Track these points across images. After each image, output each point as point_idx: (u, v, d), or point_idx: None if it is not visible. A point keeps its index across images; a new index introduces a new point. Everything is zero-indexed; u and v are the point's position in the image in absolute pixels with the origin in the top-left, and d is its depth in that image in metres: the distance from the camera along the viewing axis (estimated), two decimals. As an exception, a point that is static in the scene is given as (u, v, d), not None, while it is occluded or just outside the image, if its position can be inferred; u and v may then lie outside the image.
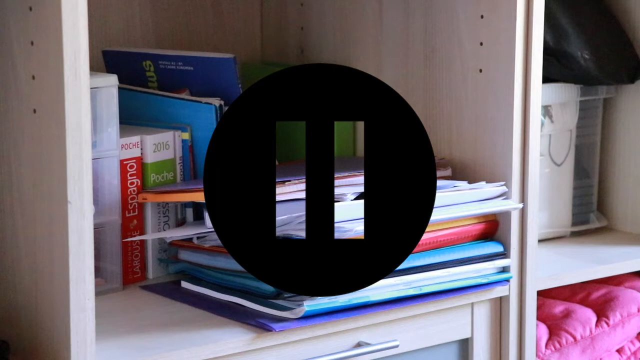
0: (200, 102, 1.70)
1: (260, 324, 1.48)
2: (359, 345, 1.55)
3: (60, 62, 1.30)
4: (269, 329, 1.47)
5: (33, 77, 1.34)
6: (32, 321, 1.39)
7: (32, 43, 1.34)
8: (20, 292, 1.40)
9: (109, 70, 1.73)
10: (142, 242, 1.67)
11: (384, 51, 1.79)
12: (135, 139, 1.65)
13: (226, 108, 1.70)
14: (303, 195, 1.55)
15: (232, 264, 1.55)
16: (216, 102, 1.69)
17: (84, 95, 1.32)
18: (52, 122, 1.32)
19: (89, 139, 1.33)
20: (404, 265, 1.54)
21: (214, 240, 1.58)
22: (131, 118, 1.67)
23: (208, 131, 1.69)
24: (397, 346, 1.57)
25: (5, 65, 1.38)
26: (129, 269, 1.66)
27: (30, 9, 1.33)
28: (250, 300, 1.53)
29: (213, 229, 1.54)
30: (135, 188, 1.65)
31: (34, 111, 1.35)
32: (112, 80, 1.60)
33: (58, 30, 1.29)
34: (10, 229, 1.41)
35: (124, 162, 1.64)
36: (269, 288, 1.51)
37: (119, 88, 1.60)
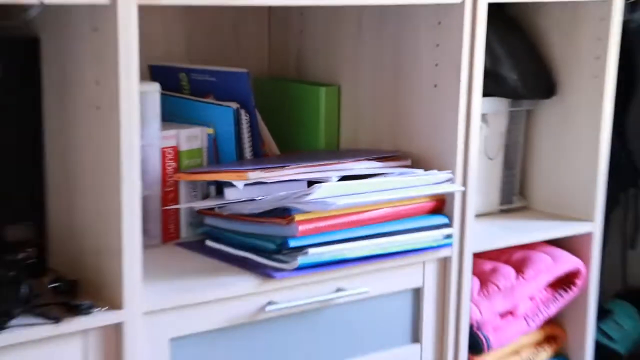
0: (222, 105, 1.70)
1: (265, 272, 1.49)
2: (338, 290, 1.56)
3: (117, 71, 1.31)
4: (271, 277, 1.48)
5: (97, 83, 1.35)
6: (94, 267, 1.40)
7: (96, 57, 1.34)
8: (86, 245, 1.41)
9: (153, 79, 1.73)
10: (177, 210, 1.67)
11: (361, 68, 1.79)
12: (173, 132, 1.65)
13: (242, 110, 1.71)
14: (299, 177, 1.57)
15: (244, 227, 1.56)
16: (233, 105, 1.70)
17: (135, 98, 1.33)
18: (111, 117, 1.33)
19: (138, 131, 1.34)
20: (373, 231, 1.56)
21: (231, 209, 1.58)
22: (169, 116, 1.67)
23: (227, 127, 1.70)
24: (367, 292, 1.58)
25: (76, 73, 1.38)
26: (167, 230, 1.66)
27: (96, 30, 1.33)
28: (257, 255, 1.53)
29: (231, 200, 1.57)
30: (172, 169, 1.65)
31: (97, 108, 1.35)
32: (156, 87, 1.60)
33: (116, 47, 1.30)
34: (79, 198, 1.41)
35: (164, 150, 1.64)
36: (271, 246, 1.52)
37: (161, 93, 1.61)
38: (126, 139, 1.33)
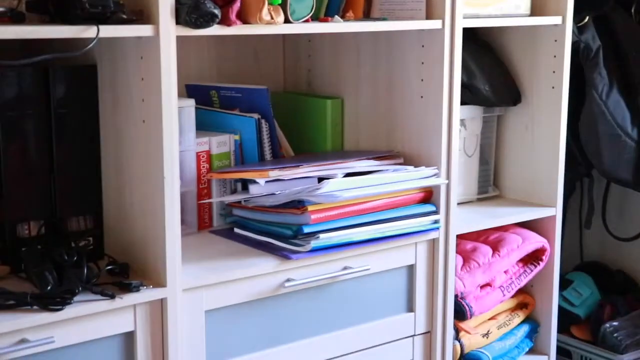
0: (246, 116, 1.70)
1: (283, 254, 1.48)
2: (344, 268, 1.55)
3: (160, 91, 1.31)
4: (289, 258, 1.48)
5: (143, 100, 1.35)
6: (142, 251, 1.39)
7: (142, 79, 1.34)
8: (135, 233, 1.41)
9: (189, 96, 1.72)
10: (210, 203, 1.66)
11: (361, 84, 1.77)
12: (206, 139, 1.65)
13: (262, 120, 1.70)
14: (310, 174, 1.57)
15: (266, 217, 1.56)
16: (256, 116, 1.69)
17: (174, 113, 1.33)
18: (155, 128, 1.33)
19: (177, 139, 1.34)
20: (373, 218, 1.55)
21: (254, 202, 1.58)
22: (203, 126, 1.66)
23: (251, 134, 1.69)
24: (369, 269, 1.57)
25: (126, 93, 1.38)
26: (202, 220, 1.65)
27: (142, 58, 1.33)
28: (277, 239, 1.52)
29: (254, 195, 1.56)
30: (205, 170, 1.64)
31: (143, 121, 1.35)
32: (191, 102, 1.59)
33: (158, 71, 1.30)
34: (129, 195, 1.41)
35: (199, 154, 1.63)
36: (289, 232, 1.51)
37: (195, 108, 1.60)
38: (167, 146, 1.32)
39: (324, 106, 1.81)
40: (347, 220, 1.53)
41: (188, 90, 1.76)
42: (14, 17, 1.25)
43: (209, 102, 1.76)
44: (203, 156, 1.64)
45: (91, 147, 1.44)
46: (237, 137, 1.70)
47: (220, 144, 1.67)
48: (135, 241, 1.41)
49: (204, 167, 1.64)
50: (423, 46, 1.64)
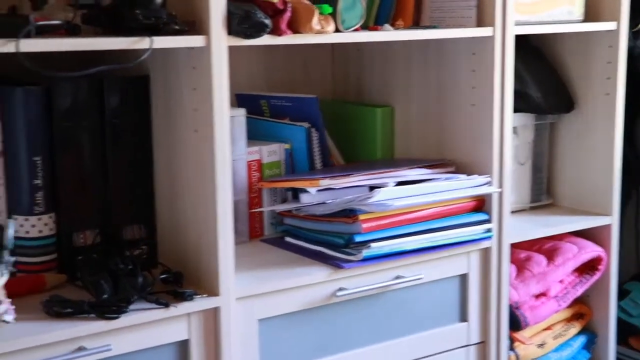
0: (296, 125, 1.70)
1: (335, 263, 1.48)
2: (397, 277, 1.54)
3: (212, 101, 1.32)
4: (341, 267, 1.47)
5: (195, 110, 1.36)
6: (195, 260, 1.41)
7: (194, 89, 1.35)
8: (188, 242, 1.42)
9: (240, 106, 1.73)
10: (261, 212, 1.67)
11: (411, 92, 1.77)
12: (256, 148, 1.66)
13: (312, 129, 1.71)
14: (361, 183, 1.56)
15: (317, 226, 1.56)
16: (306, 125, 1.70)
17: (226, 122, 1.34)
18: (207, 138, 1.34)
19: (229, 148, 1.35)
20: (425, 227, 1.55)
21: (305, 211, 1.58)
22: (253, 135, 1.67)
23: (301, 143, 1.70)
24: (421, 278, 1.57)
25: (178, 103, 1.39)
26: (253, 229, 1.66)
27: (194, 68, 1.35)
28: (329, 248, 1.52)
29: (306, 204, 1.57)
30: (256, 179, 1.65)
31: (196, 131, 1.37)
32: (242, 112, 1.61)
33: (210, 81, 1.31)
34: (182, 204, 1.43)
35: (249, 163, 1.64)
36: (340, 241, 1.51)
37: (246, 117, 1.61)
38: (220, 155, 1.33)
39: (374, 114, 1.81)
40: (399, 229, 1.53)
41: (238, 99, 1.77)
42: (69, 30, 1.27)
43: (259, 112, 1.77)
44: (254, 165, 1.65)
45: (144, 157, 1.46)
46: (287, 146, 1.70)
47: (271, 153, 1.68)
48: (188, 250, 1.42)
49: (254, 176, 1.65)
50: (474, 54, 1.63)
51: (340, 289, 1.48)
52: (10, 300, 1.24)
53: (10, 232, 1.23)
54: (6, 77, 1.35)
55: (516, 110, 1.74)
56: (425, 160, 1.71)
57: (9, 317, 1.22)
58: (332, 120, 1.80)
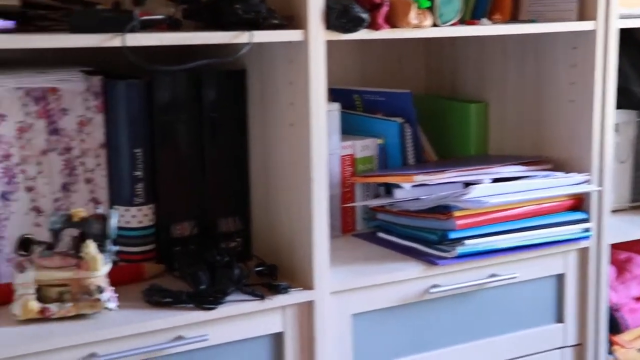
0: (389, 120, 1.70)
1: (429, 260, 1.47)
2: (491, 275, 1.52)
3: (308, 95, 1.32)
4: (435, 264, 1.47)
5: (291, 104, 1.37)
6: (289, 253, 1.42)
7: (291, 83, 1.36)
8: (283, 235, 1.43)
9: (333, 100, 1.73)
10: (354, 207, 1.67)
11: (507, 87, 1.75)
12: (349, 143, 1.66)
13: (406, 124, 1.71)
14: (456, 179, 1.55)
15: (410, 221, 1.55)
16: (399, 120, 1.69)
17: (322, 116, 1.34)
18: (303, 132, 1.35)
19: (325, 143, 1.35)
20: (521, 225, 1.52)
21: (399, 206, 1.57)
22: (347, 130, 1.67)
23: (394, 138, 1.70)
24: (517, 277, 1.54)
25: (274, 97, 1.41)
26: (346, 224, 1.66)
27: (291, 62, 1.35)
28: (422, 245, 1.51)
29: (399, 199, 1.56)
30: (349, 174, 1.65)
31: (291, 125, 1.37)
32: (336, 106, 1.61)
33: (307, 75, 1.32)
34: (277, 197, 1.44)
35: (343, 157, 1.64)
36: (434, 238, 1.50)
37: (340, 111, 1.62)
38: (316, 149, 1.34)
39: (467, 110, 1.79)
40: (494, 226, 1.50)
41: (332, 94, 1.77)
42: (171, 25, 1.30)
43: (352, 106, 1.77)
44: (347, 160, 1.65)
45: (240, 150, 1.48)
46: (380, 141, 1.70)
47: (364, 147, 1.68)
48: (282, 243, 1.43)
49: (347, 170, 1.66)
50: (575, 48, 1.59)
51: (434, 286, 1.47)
52: (112, 288, 1.27)
53: (113, 222, 1.26)
54: (105, 71, 1.39)
55: (617, 106, 1.69)
56: (521, 157, 1.68)
57: (112, 305, 1.26)
58: (425, 115, 1.79)
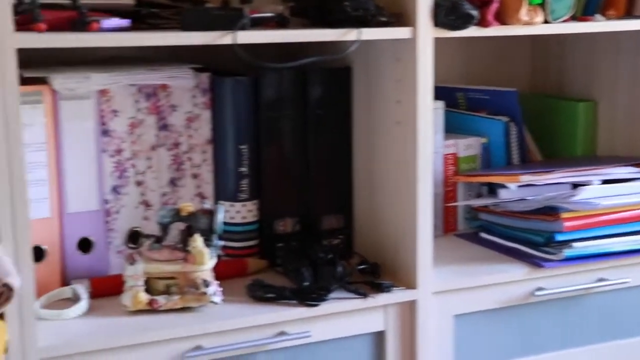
0: (494, 119, 1.67)
1: (534, 262, 1.45)
2: (599, 280, 1.48)
3: (416, 93, 1.32)
4: (540, 266, 1.44)
5: (398, 102, 1.36)
6: (392, 252, 1.41)
7: (397, 80, 1.36)
8: (385, 233, 1.43)
9: (436, 98, 1.71)
10: (455, 207, 1.65)
11: (618, 86, 1.69)
12: (452, 141, 1.64)
13: (511, 123, 1.68)
14: (564, 180, 1.51)
15: (515, 222, 1.52)
16: (504, 119, 1.66)
17: (429, 114, 1.33)
18: (409, 130, 1.34)
19: (431, 141, 1.34)
20: (633, 229, 1.47)
21: (503, 207, 1.54)
22: (450, 128, 1.64)
23: (498, 137, 1.67)
24: (628, 282, 1.49)
25: (380, 95, 1.40)
26: (447, 223, 1.64)
27: (398, 60, 1.35)
28: (527, 246, 1.48)
29: (504, 199, 1.53)
30: (452, 173, 1.64)
31: (397, 123, 1.37)
32: (440, 104, 1.59)
33: (415, 73, 1.31)
34: (380, 195, 1.43)
35: (446, 156, 1.63)
36: (539, 240, 1.47)
37: (445, 110, 1.61)
38: (422, 148, 1.33)
39: (575, 109, 1.75)
40: (603, 229, 1.46)
41: (435, 92, 1.75)
42: (279, 22, 1.31)
43: (455, 104, 1.75)
44: (450, 159, 1.64)
45: (344, 148, 1.48)
46: (484, 139, 1.68)
47: (468, 146, 1.66)
48: (385, 241, 1.43)
49: (450, 169, 1.64)
50: (693, 44, 1.54)
51: (539, 289, 1.44)
52: (217, 282, 1.30)
53: (220, 217, 1.28)
54: (211, 68, 1.41)
55: None
56: (633, 158, 1.63)
57: (218, 299, 1.28)
58: (530, 114, 1.75)
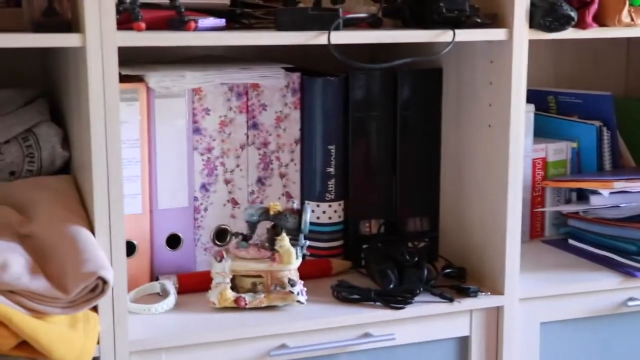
0: (586, 123, 1.64)
1: (626, 271, 1.41)
2: (695, 292, 1.44)
3: (509, 95, 1.29)
4: (633, 275, 1.40)
5: (490, 105, 1.34)
6: (479, 256, 1.39)
7: (490, 83, 1.34)
8: (472, 237, 1.41)
9: (528, 101, 1.68)
10: (543, 212, 1.62)
11: None
12: (542, 146, 1.61)
13: (604, 128, 1.64)
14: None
15: (606, 230, 1.49)
16: (597, 123, 1.63)
17: (521, 117, 1.31)
18: (501, 133, 1.32)
19: (522, 145, 1.32)
20: None
21: (594, 213, 1.51)
22: (539, 132, 1.62)
23: (590, 142, 1.63)
24: None
25: (471, 97, 1.38)
26: (534, 229, 1.62)
27: (492, 62, 1.33)
28: (618, 255, 1.45)
29: (595, 206, 1.50)
30: (540, 177, 1.61)
31: (489, 126, 1.35)
32: (531, 107, 1.57)
33: (509, 75, 1.29)
34: (467, 199, 1.42)
35: (534, 160, 1.60)
36: (633, 248, 1.44)
37: (534, 113, 1.58)
38: (513, 152, 1.31)
39: (672, 114, 1.70)
40: (700, 239, 1.42)
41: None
42: (372, 23, 1.30)
43: (546, 108, 1.72)
44: (539, 163, 1.61)
45: (432, 150, 1.47)
46: (574, 144, 1.64)
47: (557, 151, 1.63)
48: (471, 246, 1.41)
49: (539, 174, 1.61)
50: None
51: (631, 299, 1.40)
52: (302, 282, 1.30)
53: (307, 217, 1.29)
54: (300, 68, 1.41)
55: None
56: None
57: (303, 298, 1.28)
58: (624, 119, 1.70)
